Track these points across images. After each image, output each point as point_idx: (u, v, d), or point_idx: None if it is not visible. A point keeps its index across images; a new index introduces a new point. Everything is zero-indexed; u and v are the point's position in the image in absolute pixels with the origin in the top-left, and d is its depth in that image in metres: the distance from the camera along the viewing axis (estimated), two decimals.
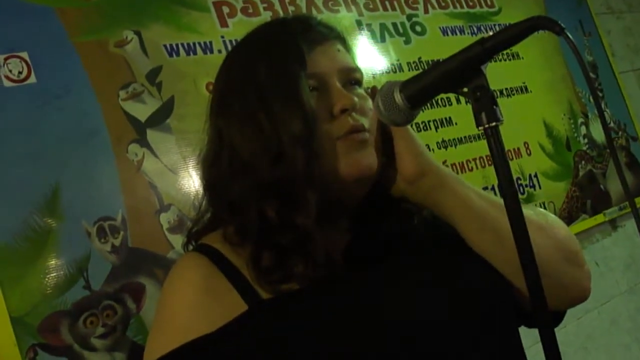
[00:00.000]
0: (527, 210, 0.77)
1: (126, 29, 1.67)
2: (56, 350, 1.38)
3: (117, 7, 1.67)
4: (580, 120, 2.78)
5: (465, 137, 2.27)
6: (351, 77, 0.88)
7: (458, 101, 2.27)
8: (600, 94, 2.90)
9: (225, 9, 1.88)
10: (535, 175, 2.49)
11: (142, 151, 1.60)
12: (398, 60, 2.23)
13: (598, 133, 2.80)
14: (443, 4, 2.46)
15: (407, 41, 2.29)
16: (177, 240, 1.57)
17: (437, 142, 2.21)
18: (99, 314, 1.45)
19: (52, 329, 1.39)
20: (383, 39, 2.23)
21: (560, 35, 0.63)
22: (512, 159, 2.43)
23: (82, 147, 1.52)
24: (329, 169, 0.82)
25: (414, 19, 2.34)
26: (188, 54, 1.75)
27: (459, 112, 2.26)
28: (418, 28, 2.34)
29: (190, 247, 0.90)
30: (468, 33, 2.49)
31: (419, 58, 2.28)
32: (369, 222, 0.89)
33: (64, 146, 1.50)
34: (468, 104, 0.71)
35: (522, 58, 2.64)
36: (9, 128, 1.45)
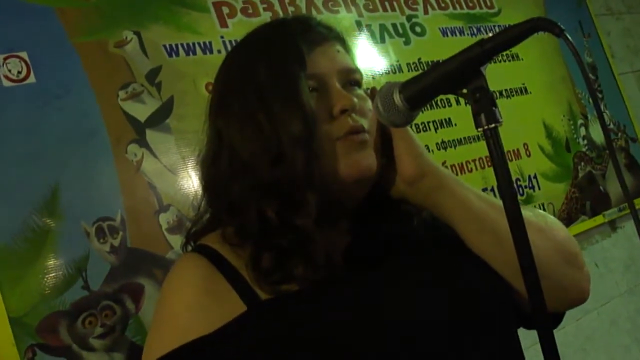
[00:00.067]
0: (527, 212, 0.77)
1: (126, 29, 1.67)
2: (55, 350, 1.38)
3: (117, 7, 1.67)
4: (580, 121, 2.78)
5: (464, 138, 2.27)
6: (351, 77, 0.88)
7: (458, 102, 2.27)
8: (600, 95, 2.90)
9: (225, 10, 1.88)
10: (535, 177, 2.50)
11: (142, 151, 1.60)
12: (398, 61, 2.23)
13: (597, 134, 2.80)
14: (443, 5, 2.46)
15: (407, 42, 2.29)
16: (176, 240, 1.57)
17: (437, 143, 2.21)
18: (97, 314, 1.45)
19: (51, 329, 1.39)
20: (383, 40, 2.23)
21: (559, 36, 0.63)
22: (512, 160, 2.43)
23: (81, 147, 1.52)
24: (328, 170, 0.82)
25: (414, 20, 2.34)
26: (188, 54, 1.75)
27: (458, 113, 2.26)
28: (418, 29, 2.34)
29: (189, 248, 0.90)
30: (468, 34, 2.49)
31: (419, 59, 2.28)
32: (369, 223, 0.89)
33: (63, 146, 1.50)
34: (467, 105, 0.71)
35: (522, 59, 2.64)
36: (8, 128, 1.45)
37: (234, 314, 0.77)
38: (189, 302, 0.79)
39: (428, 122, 2.21)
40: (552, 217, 0.95)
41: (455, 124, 2.26)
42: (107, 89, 1.60)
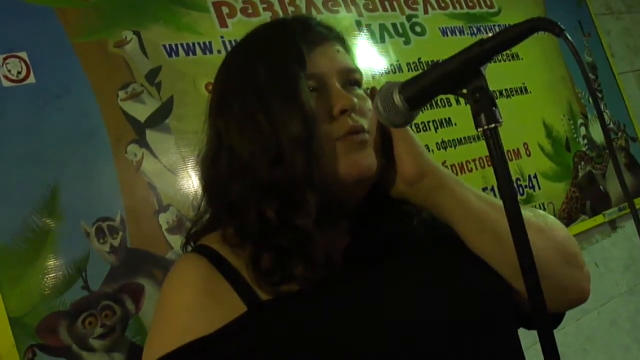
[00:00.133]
0: (527, 212, 0.77)
1: (126, 29, 1.67)
2: (55, 351, 1.38)
3: (117, 7, 1.67)
4: (580, 121, 2.78)
5: (465, 138, 2.27)
6: (351, 78, 0.88)
7: (458, 102, 2.27)
8: (600, 95, 2.90)
9: (225, 10, 1.88)
10: (535, 176, 2.49)
11: (142, 152, 1.60)
12: (398, 61, 2.23)
13: (598, 134, 2.80)
14: (443, 5, 2.46)
15: (407, 42, 2.29)
16: (177, 241, 1.57)
17: (437, 143, 2.21)
18: (97, 314, 1.44)
19: (51, 330, 1.39)
20: (383, 40, 2.23)
21: (560, 36, 0.63)
22: (512, 159, 2.43)
23: (81, 148, 1.52)
24: (328, 170, 0.82)
25: (414, 20, 2.34)
26: (188, 54, 1.75)
27: (458, 113, 2.26)
28: (418, 29, 2.34)
29: (189, 248, 0.90)
30: (468, 34, 2.49)
31: (419, 59, 2.28)
32: (369, 223, 0.89)
33: (63, 146, 1.50)
34: (468, 105, 0.71)
35: (522, 59, 2.64)
36: (8, 128, 1.45)
37: (234, 314, 0.77)
38: (189, 302, 0.79)
39: (428, 122, 2.21)
40: (552, 217, 0.95)
41: (456, 124, 2.26)
42: (107, 89, 1.60)
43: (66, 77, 1.55)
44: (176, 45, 1.74)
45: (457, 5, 2.51)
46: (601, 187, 2.74)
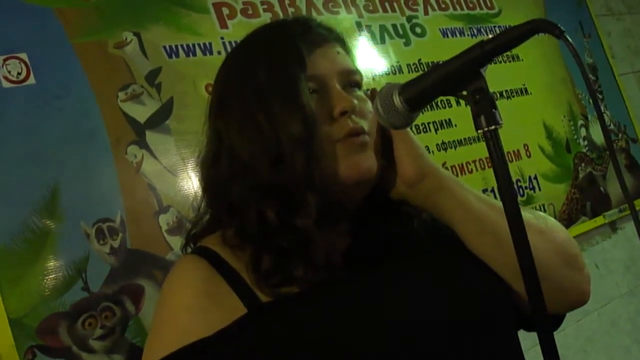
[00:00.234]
0: (527, 214, 0.77)
1: (126, 30, 1.67)
2: (54, 351, 1.38)
3: (117, 8, 1.67)
4: (580, 122, 2.78)
5: (465, 139, 2.27)
6: (351, 79, 0.88)
7: (458, 103, 2.27)
8: (600, 96, 2.90)
9: (225, 10, 1.88)
10: (535, 177, 2.49)
11: (141, 152, 1.60)
12: (398, 61, 2.23)
13: (598, 135, 2.80)
14: (443, 6, 2.46)
15: (407, 43, 2.29)
16: (176, 241, 1.57)
17: (437, 144, 2.21)
18: (97, 315, 1.44)
19: (51, 331, 1.39)
20: (383, 41, 2.23)
21: (560, 38, 0.63)
22: (512, 160, 2.43)
23: (81, 148, 1.52)
24: (328, 172, 0.82)
25: (414, 21, 2.34)
26: (187, 55, 1.75)
27: (458, 114, 2.26)
28: (418, 30, 2.34)
29: (189, 250, 0.90)
30: (468, 35, 2.49)
31: (419, 60, 2.28)
32: (369, 224, 0.89)
33: (63, 147, 1.50)
34: (468, 106, 0.71)
35: (522, 60, 2.64)
36: (8, 129, 1.45)
37: (234, 316, 0.76)
38: (189, 304, 0.79)
39: (428, 123, 2.21)
40: (552, 219, 0.95)
41: (456, 125, 2.26)
42: (106, 90, 1.60)
43: (66, 78, 1.55)
44: (176, 46, 1.74)
45: (457, 6, 2.51)
46: (601, 188, 2.74)
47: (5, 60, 1.48)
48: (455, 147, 2.25)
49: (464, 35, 2.48)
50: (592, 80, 2.87)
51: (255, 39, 0.92)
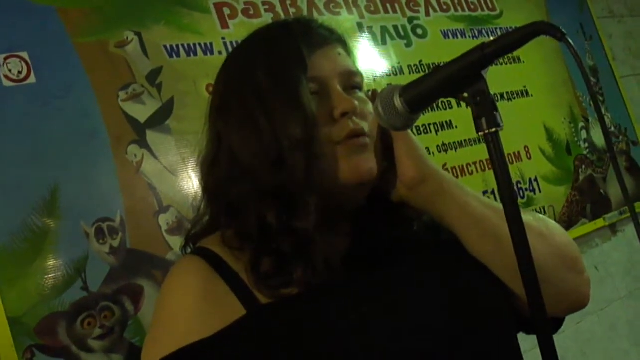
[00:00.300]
0: (527, 217, 0.77)
1: (127, 29, 1.67)
2: (53, 351, 1.38)
3: (118, 7, 1.67)
4: (581, 124, 2.78)
5: (465, 140, 2.27)
6: (352, 81, 0.88)
7: (459, 104, 2.27)
8: (601, 98, 2.90)
9: (226, 10, 1.88)
10: (536, 179, 2.49)
11: (142, 152, 1.60)
12: (399, 63, 2.23)
13: (599, 137, 2.80)
14: (444, 7, 2.45)
15: (408, 44, 2.29)
16: (176, 241, 1.57)
17: (438, 146, 2.21)
18: (96, 315, 1.44)
19: (50, 330, 1.38)
20: (384, 42, 2.23)
21: (561, 41, 0.63)
22: (513, 162, 2.43)
23: (81, 148, 1.52)
24: (329, 174, 0.82)
25: (415, 22, 2.34)
26: (188, 55, 1.75)
27: (459, 115, 2.26)
28: (419, 31, 2.34)
29: (189, 250, 0.90)
30: (469, 36, 2.49)
31: (420, 61, 2.28)
32: (369, 226, 0.88)
33: (63, 147, 1.50)
34: (469, 107, 0.71)
35: (523, 62, 2.64)
36: (8, 128, 1.45)
37: (233, 317, 0.76)
38: (188, 304, 0.79)
39: (429, 125, 2.21)
40: (552, 221, 0.94)
41: (456, 127, 2.26)
42: (107, 89, 1.60)
43: (67, 77, 1.55)
44: (177, 46, 1.74)
45: (459, 8, 2.51)
46: (601, 191, 2.74)
47: (6, 59, 1.48)
48: (456, 149, 2.25)
49: (465, 36, 2.48)
50: (593, 82, 2.87)
51: (256, 40, 0.92)
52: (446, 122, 2.25)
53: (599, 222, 2.68)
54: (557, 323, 0.93)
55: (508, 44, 0.69)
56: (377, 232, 0.89)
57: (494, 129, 0.68)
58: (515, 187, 2.39)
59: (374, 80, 2.13)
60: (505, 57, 2.47)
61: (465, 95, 0.71)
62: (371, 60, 2.17)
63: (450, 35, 2.43)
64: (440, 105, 2.25)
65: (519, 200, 2.37)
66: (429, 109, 2.14)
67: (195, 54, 1.76)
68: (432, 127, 2.21)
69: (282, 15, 1.97)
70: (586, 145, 2.76)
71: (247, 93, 0.85)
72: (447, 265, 0.88)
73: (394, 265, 0.85)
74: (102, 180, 1.54)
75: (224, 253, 0.83)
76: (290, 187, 0.79)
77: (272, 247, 0.80)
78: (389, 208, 0.91)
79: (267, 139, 0.81)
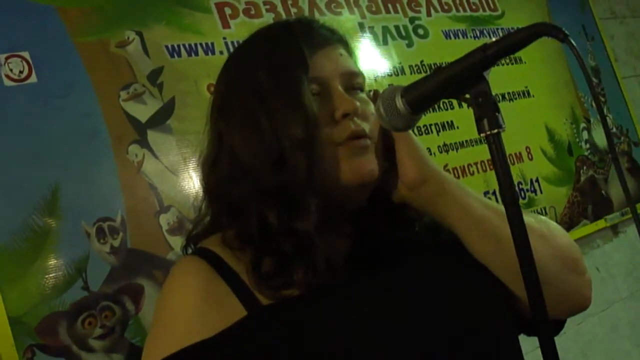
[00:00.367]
0: (528, 218, 0.77)
1: (128, 29, 1.67)
2: (54, 351, 1.38)
3: (119, 7, 1.67)
4: (583, 125, 2.78)
5: (466, 141, 2.27)
6: (353, 81, 0.88)
7: (460, 105, 2.27)
8: (603, 99, 2.90)
9: (228, 10, 1.87)
10: (537, 180, 2.49)
11: (143, 152, 1.60)
12: (400, 63, 2.23)
13: (600, 138, 2.80)
14: (446, 7, 2.45)
15: (410, 44, 2.29)
16: (177, 241, 1.57)
17: (439, 146, 2.21)
18: (97, 315, 1.44)
19: (50, 330, 1.38)
20: (385, 42, 2.23)
21: (564, 42, 0.63)
22: (514, 163, 2.43)
23: (82, 148, 1.52)
24: (330, 174, 0.82)
25: (417, 22, 2.34)
26: (190, 54, 1.75)
27: (460, 115, 2.26)
28: (421, 31, 2.33)
29: (190, 251, 0.90)
30: (471, 37, 2.48)
31: (421, 61, 2.28)
32: (370, 227, 0.88)
33: (64, 146, 1.50)
34: (470, 108, 0.70)
35: (525, 62, 2.64)
36: (9, 128, 1.45)
37: (234, 318, 0.76)
38: (189, 305, 0.79)
39: (430, 125, 2.21)
40: (554, 223, 0.94)
41: (458, 127, 2.26)
42: (108, 89, 1.59)
43: (68, 77, 1.54)
44: (178, 46, 1.74)
45: (460, 8, 2.50)
46: (603, 192, 2.73)
47: (7, 58, 1.48)
48: (457, 149, 2.25)
49: (467, 37, 2.47)
50: (595, 83, 2.87)
51: (258, 40, 0.92)
52: (447, 122, 2.25)
53: (600, 223, 2.68)
54: (559, 325, 0.93)
55: (510, 45, 0.69)
56: (378, 233, 0.89)
57: (495, 130, 0.68)
58: (517, 188, 2.39)
59: (375, 80, 2.13)
60: (507, 57, 2.48)
61: (467, 96, 0.71)
62: (372, 60, 2.17)
63: (452, 36, 2.42)
64: (441, 105, 2.25)
65: (520, 200, 2.37)
66: (430, 109, 2.14)
67: (197, 53, 1.76)
68: (433, 127, 2.21)
69: (284, 15, 1.97)
70: (587, 146, 2.76)
71: (249, 93, 0.85)
72: (448, 266, 0.88)
73: (395, 265, 0.85)
74: (103, 180, 1.54)
75: (224, 254, 0.83)
76: (292, 187, 0.79)
77: (273, 248, 0.80)
78: (390, 209, 0.90)
79: (268, 139, 0.81)
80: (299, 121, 0.80)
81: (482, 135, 0.69)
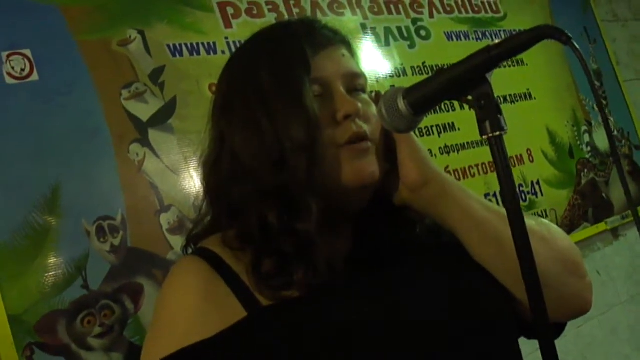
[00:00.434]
0: (529, 221, 0.77)
1: (130, 28, 1.67)
2: (53, 349, 1.38)
3: (121, 5, 1.67)
4: (584, 128, 2.78)
5: (468, 142, 2.26)
6: (355, 82, 0.88)
7: (462, 107, 2.27)
8: (605, 102, 2.90)
9: (230, 10, 1.87)
10: (538, 183, 2.49)
11: (144, 151, 1.60)
12: (402, 64, 2.23)
13: (601, 141, 2.80)
14: (448, 9, 2.45)
15: (412, 45, 2.29)
16: (177, 241, 1.57)
17: (440, 148, 2.21)
18: (96, 313, 1.44)
19: (50, 328, 1.38)
20: (387, 43, 2.23)
21: (567, 44, 0.63)
22: (515, 165, 2.43)
23: (83, 146, 1.52)
24: (331, 176, 0.81)
25: (419, 24, 2.34)
26: (191, 54, 1.75)
27: (462, 117, 2.26)
28: (423, 32, 2.33)
29: (190, 250, 0.89)
30: (473, 38, 2.48)
31: (423, 63, 2.28)
32: (371, 229, 0.88)
33: (65, 144, 1.50)
34: (472, 109, 0.70)
35: (527, 65, 2.64)
36: (10, 126, 1.45)
37: (234, 318, 0.76)
38: (189, 305, 0.78)
39: (431, 127, 2.21)
40: (555, 226, 0.94)
41: (459, 129, 2.26)
42: (110, 87, 1.60)
43: (69, 75, 1.55)
44: (180, 45, 1.74)
45: (463, 10, 2.50)
46: (604, 195, 2.73)
47: (8, 56, 1.48)
48: (458, 151, 2.25)
49: (469, 38, 2.47)
50: (597, 86, 2.86)
51: (260, 40, 0.92)
52: (449, 124, 2.24)
53: (601, 226, 2.68)
54: (559, 328, 0.93)
55: (513, 47, 0.68)
56: (379, 234, 0.89)
57: (498, 133, 0.68)
58: (518, 190, 2.39)
59: (377, 81, 2.13)
60: (509, 59, 2.48)
61: (470, 98, 0.71)
62: (374, 61, 2.17)
63: (454, 37, 2.42)
64: (443, 107, 2.24)
65: (521, 203, 2.37)
66: (432, 110, 2.14)
67: (198, 53, 1.76)
68: (434, 129, 2.21)
69: (286, 16, 1.97)
70: (589, 148, 2.76)
71: (250, 93, 0.84)
72: (448, 267, 0.88)
73: (395, 266, 0.85)
74: (103, 178, 1.54)
75: (224, 254, 0.83)
76: (292, 188, 0.79)
77: (273, 248, 0.79)
78: (391, 210, 0.90)
79: (270, 140, 0.81)
80: (300, 122, 0.79)
81: (484, 137, 0.69)
